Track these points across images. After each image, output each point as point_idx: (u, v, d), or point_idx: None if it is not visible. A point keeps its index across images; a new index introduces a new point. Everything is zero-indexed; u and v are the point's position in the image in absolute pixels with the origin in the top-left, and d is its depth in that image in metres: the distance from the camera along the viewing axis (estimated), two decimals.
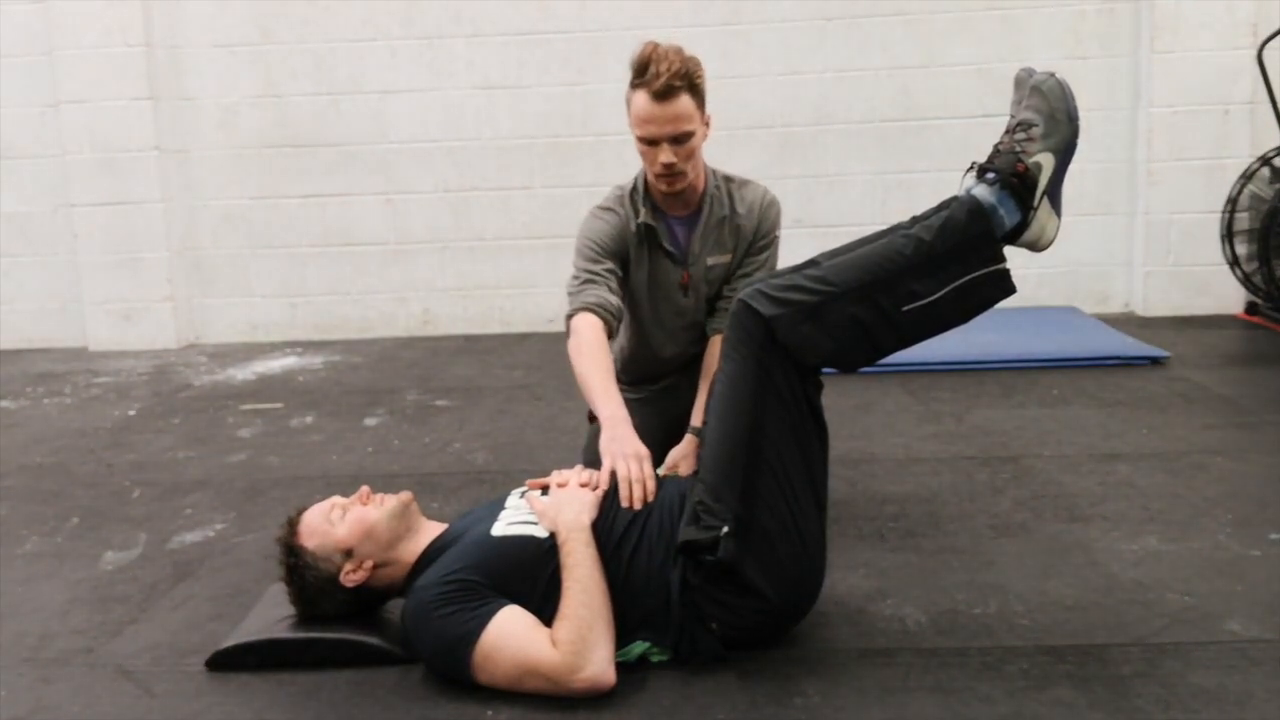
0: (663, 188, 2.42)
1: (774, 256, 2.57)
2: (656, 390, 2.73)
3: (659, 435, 2.46)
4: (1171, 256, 4.99)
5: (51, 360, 5.18)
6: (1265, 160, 4.57)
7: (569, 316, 2.36)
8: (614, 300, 2.37)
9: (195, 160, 5.33)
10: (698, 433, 2.37)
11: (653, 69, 2.26)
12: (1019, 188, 1.85)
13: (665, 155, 2.32)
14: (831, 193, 5.17)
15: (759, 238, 2.53)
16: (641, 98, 2.30)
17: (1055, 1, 4.97)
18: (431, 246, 5.36)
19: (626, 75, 2.37)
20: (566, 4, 5.12)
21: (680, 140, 2.32)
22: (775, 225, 2.55)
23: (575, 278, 2.43)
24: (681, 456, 2.40)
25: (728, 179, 2.56)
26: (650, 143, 2.34)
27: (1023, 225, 1.87)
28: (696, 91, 2.32)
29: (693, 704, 1.79)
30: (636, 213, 2.50)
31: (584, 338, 2.29)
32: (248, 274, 5.43)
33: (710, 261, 2.53)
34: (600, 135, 5.17)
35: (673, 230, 2.54)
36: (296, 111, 5.27)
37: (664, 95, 2.26)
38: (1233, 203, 4.61)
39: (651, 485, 2.03)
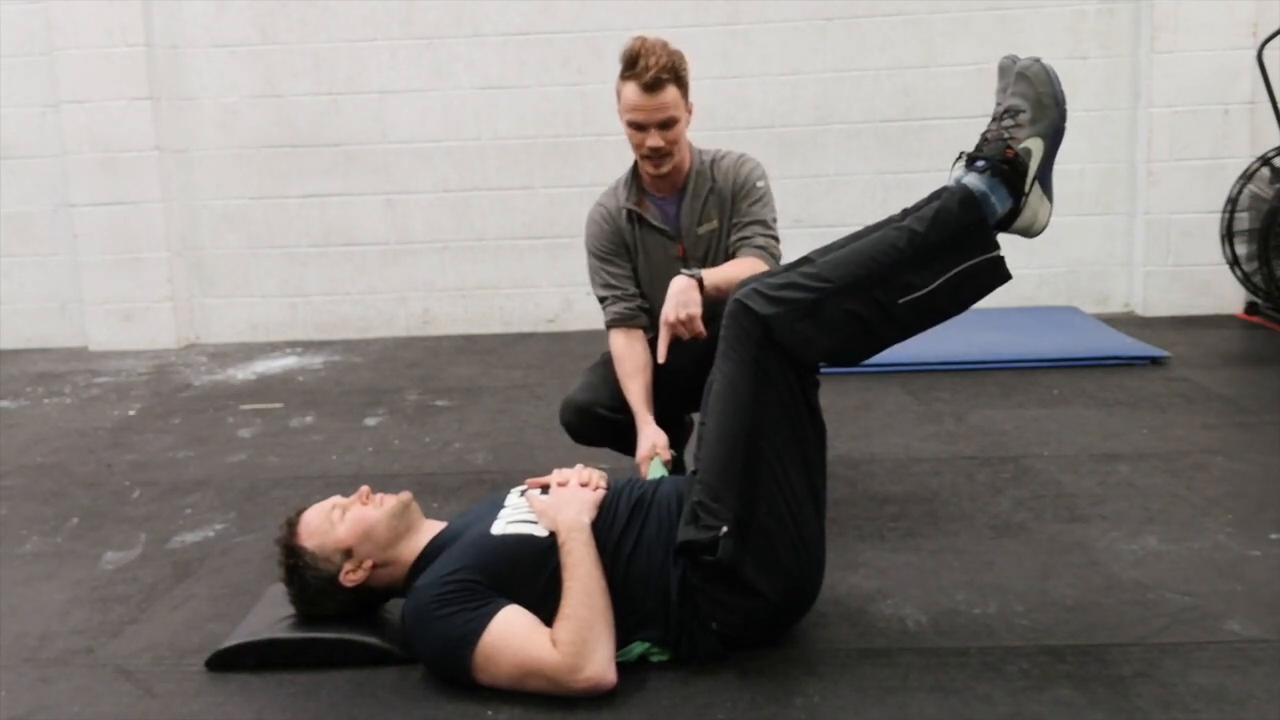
0: (649, 169, 2.60)
1: (766, 206, 2.65)
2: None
3: (676, 389, 2.65)
4: (1171, 256, 4.99)
5: (51, 360, 5.18)
6: (1265, 160, 4.57)
7: (608, 326, 2.70)
8: (634, 304, 2.68)
9: (195, 160, 5.32)
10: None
11: (642, 62, 2.45)
12: (1009, 174, 1.86)
13: (653, 139, 2.51)
14: (831, 193, 5.17)
15: (738, 190, 2.64)
16: (631, 88, 2.49)
17: (1055, 1, 4.96)
18: (431, 246, 5.36)
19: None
20: (566, 4, 5.11)
21: (666, 126, 2.51)
22: (752, 176, 2.65)
23: (598, 295, 2.74)
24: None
25: (709, 155, 2.70)
26: (638, 128, 2.52)
27: (1015, 211, 1.87)
28: (681, 83, 2.52)
29: (693, 704, 1.79)
30: (626, 198, 2.70)
31: (616, 355, 2.64)
32: (248, 274, 5.43)
33: (700, 231, 2.67)
34: (600, 135, 5.16)
35: (663, 209, 2.69)
36: (296, 111, 5.27)
37: (652, 87, 2.46)
38: (1233, 203, 4.61)
39: (668, 455, 2.43)
